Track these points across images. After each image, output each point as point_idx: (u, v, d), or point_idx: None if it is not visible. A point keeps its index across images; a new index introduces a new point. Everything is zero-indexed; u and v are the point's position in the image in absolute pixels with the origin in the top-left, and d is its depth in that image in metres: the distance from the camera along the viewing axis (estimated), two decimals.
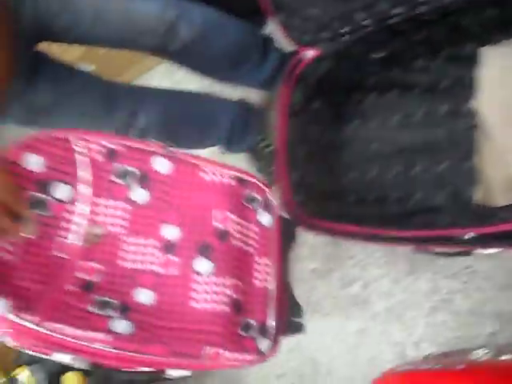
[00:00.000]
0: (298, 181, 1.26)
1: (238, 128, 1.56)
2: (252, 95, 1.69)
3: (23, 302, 0.82)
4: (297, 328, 1.06)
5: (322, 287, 1.49)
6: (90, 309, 0.90)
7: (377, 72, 1.32)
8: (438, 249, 1.04)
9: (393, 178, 1.26)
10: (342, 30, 1.18)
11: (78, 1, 1.22)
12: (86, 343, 0.82)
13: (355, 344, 1.42)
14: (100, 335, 0.85)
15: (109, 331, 0.88)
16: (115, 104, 1.37)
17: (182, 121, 1.50)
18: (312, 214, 1.19)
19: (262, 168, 1.63)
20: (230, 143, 1.58)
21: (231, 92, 1.68)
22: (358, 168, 1.33)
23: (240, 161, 1.79)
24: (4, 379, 2.10)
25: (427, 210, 1.16)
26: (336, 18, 1.17)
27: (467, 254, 1.02)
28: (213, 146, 1.64)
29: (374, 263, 1.40)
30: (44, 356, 0.83)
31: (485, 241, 0.94)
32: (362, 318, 1.41)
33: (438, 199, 1.16)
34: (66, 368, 2.00)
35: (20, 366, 1.76)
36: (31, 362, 1.78)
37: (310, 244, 1.51)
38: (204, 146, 1.67)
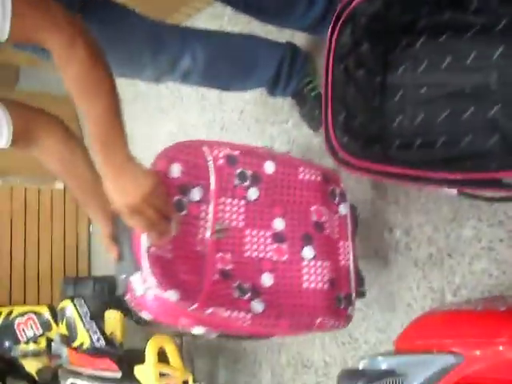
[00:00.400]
0: (344, 123, 1.24)
1: (283, 71, 1.54)
2: (299, 39, 1.66)
3: (188, 293, 1.01)
4: (362, 294, 1.29)
5: (362, 232, 1.48)
6: (234, 294, 1.07)
7: (428, 14, 1.28)
8: (486, 192, 1.03)
9: (441, 122, 1.23)
10: None
11: None
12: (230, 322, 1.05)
13: (394, 290, 1.43)
14: (242, 314, 1.06)
15: (249, 310, 1.07)
16: (162, 46, 1.37)
17: (227, 62, 1.50)
18: (356, 156, 1.18)
19: (307, 113, 1.62)
20: (275, 87, 1.57)
21: (278, 36, 1.66)
22: (405, 112, 1.30)
23: (286, 105, 1.78)
24: (48, 312, 2.19)
25: (476, 154, 1.14)
26: None
27: None
28: (257, 87, 1.63)
29: (418, 209, 1.39)
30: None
31: None
32: (402, 263, 1.41)
33: (487, 144, 1.14)
34: (105, 305, 2.08)
35: (64, 299, 1.83)
36: (74, 296, 1.85)
37: (350, 188, 1.51)
38: (248, 88, 1.67)
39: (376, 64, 1.35)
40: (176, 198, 1.05)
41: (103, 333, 1.70)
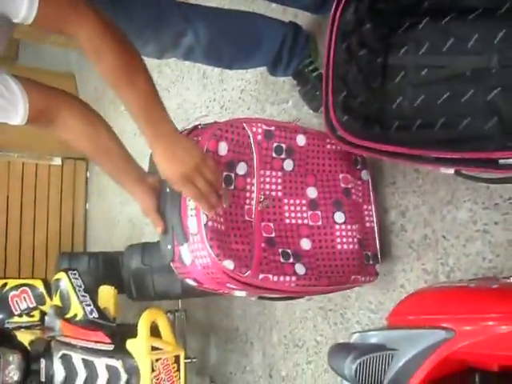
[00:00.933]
0: (344, 102, 1.24)
1: (285, 51, 1.54)
2: (302, 18, 1.66)
3: (241, 261, 1.11)
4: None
5: None
6: (280, 259, 1.18)
7: None
8: (483, 173, 1.03)
9: (441, 104, 1.24)
10: None
11: None
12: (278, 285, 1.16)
13: (387, 271, 1.44)
14: (288, 277, 1.17)
15: (294, 273, 1.18)
16: (165, 22, 1.37)
17: (229, 39, 1.49)
18: (356, 135, 1.19)
19: (308, 93, 1.62)
20: (277, 66, 1.57)
21: (282, 16, 1.65)
22: (406, 94, 1.31)
23: (287, 85, 1.78)
24: (42, 286, 2.20)
25: (474, 136, 1.14)
26: None
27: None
28: (258, 66, 1.63)
29: (414, 191, 1.39)
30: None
31: None
32: (397, 245, 1.42)
33: (486, 126, 1.14)
34: (99, 281, 2.09)
35: (59, 271, 1.83)
36: (68, 269, 1.86)
37: None
38: (249, 66, 1.66)
39: (378, 44, 1.35)
40: (225, 173, 1.14)
41: (97, 306, 1.70)
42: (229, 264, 1.09)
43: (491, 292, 0.87)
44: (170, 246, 1.18)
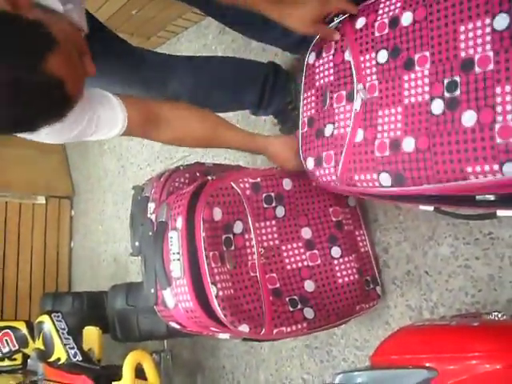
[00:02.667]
0: None
1: (266, 92, 1.56)
2: (282, 57, 1.69)
3: (255, 321, 1.14)
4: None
5: None
6: (290, 308, 1.20)
7: None
8: (463, 209, 1.04)
9: None
10: None
11: None
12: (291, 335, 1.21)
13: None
14: (300, 325, 1.20)
15: (304, 319, 1.21)
16: (150, 75, 1.40)
17: (213, 87, 1.51)
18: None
19: (288, 131, 1.63)
20: (259, 107, 1.59)
21: (261, 54, 1.68)
22: None
23: (268, 123, 1.80)
24: (25, 328, 2.16)
25: None
26: None
27: (491, 216, 1.02)
28: (243, 109, 1.65)
29: (396, 227, 1.40)
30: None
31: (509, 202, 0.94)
32: (380, 281, 1.42)
33: None
34: (84, 322, 2.06)
35: (43, 313, 1.81)
36: (51, 311, 1.84)
37: None
38: (234, 110, 1.68)
39: None
40: (224, 236, 1.16)
41: (81, 348, 1.68)
42: (244, 328, 1.11)
43: (473, 330, 0.87)
44: (152, 290, 1.18)
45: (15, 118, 0.83)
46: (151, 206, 1.44)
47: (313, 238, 1.30)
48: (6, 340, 2.19)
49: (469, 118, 0.86)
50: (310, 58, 1.19)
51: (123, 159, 2.70)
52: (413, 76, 0.99)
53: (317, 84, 1.17)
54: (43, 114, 0.86)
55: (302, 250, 1.28)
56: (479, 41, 0.86)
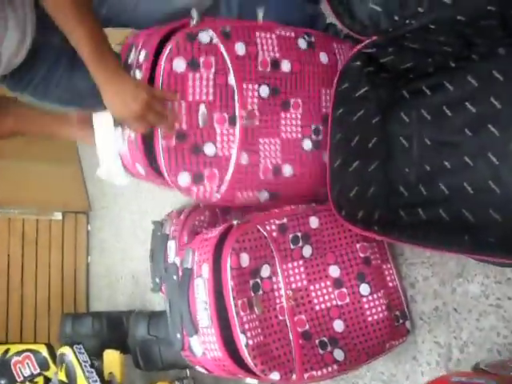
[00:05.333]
0: (338, 196, 1.26)
1: None
2: None
3: (285, 367, 1.13)
4: None
5: None
6: (320, 351, 1.19)
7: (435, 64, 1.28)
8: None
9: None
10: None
11: None
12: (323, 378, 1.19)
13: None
14: (331, 367, 1.19)
15: (334, 361, 1.20)
16: None
17: None
18: (359, 227, 1.21)
19: None
20: None
21: None
22: (409, 173, 1.31)
23: None
24: (46, 351, 2.16)
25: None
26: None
27: None
28: None
29: (423, 262, 1.38)
30: None
31: None
32: (409, 315, 1.40)
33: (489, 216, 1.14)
34: (104, 344, 2.06)
35: (64, 344, 1.81)
36: (72, 343, 1.84)
37: None
38: None
39: (376, 113, 1.34)
40: (251, 281, 1.15)
41: (103, 380, 1.68)
42: (274, 376, 1.11)
43: None
44: (178, 335, 1.17)
45: None
46: (171, 244, 1.44)
47: (341, 276, 1.28)
48: (28, 363, 2.19)
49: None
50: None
51: None
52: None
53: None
54: None
55: (330, 289, 1.26)
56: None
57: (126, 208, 2.85)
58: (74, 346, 1.74)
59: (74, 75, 1.29)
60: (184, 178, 1.18)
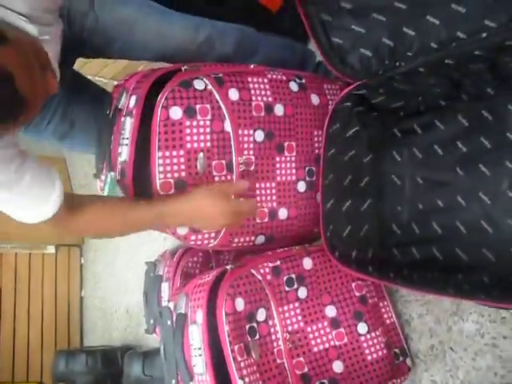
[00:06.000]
0: (331, 238, 1.28)
1: None
2: None
3: None
4: None
5: None
6: None
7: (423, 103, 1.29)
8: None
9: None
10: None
11: (112, 23, 1.24)
12: None
13: None
14: None
15: None
16: None
17: None
18: (353, 269, 1.22)
19: None
20: None
21: None
22: (401, 211, 1.31)
23: None
24: None
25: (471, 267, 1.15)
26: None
27: None
28: None
29: (418, 300, 1.38)
30: None
31: None
32: (409, 352, 1.39)
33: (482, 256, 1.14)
34: (99, 381, 2.04)
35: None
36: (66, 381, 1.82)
37: None
38: None
39: (368, 152, 1.35)
40: (247, 326, 1.14)
41: None
42: None
43: None
44: (174, 381, 1.15)
45: None
46: (165, 286, 1.43)
47: (338, 315, 1.27)
48: None
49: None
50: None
51: None
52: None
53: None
54: None
55: (327, 330, 1.25)
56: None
57: (119, 240, 2.83)
58: None
59: (71, 108, 1.32)
60: (182, 228, 1.19)
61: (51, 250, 3.10)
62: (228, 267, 1.17)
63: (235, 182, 1.20)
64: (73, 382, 1.89)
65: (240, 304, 1.13)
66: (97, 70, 2.24)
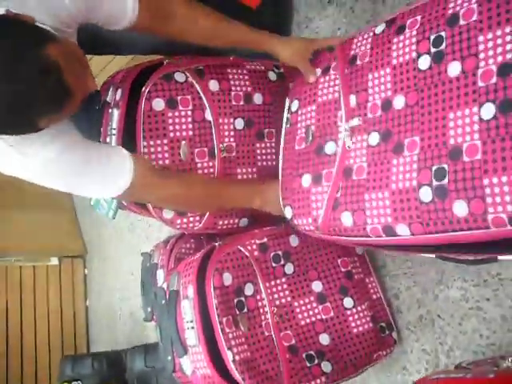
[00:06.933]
0: None
1: None
2: None
3: (273, 381, 1.16)
4: None
5: None
6: (307, 364, 1.22)
7: None
8: (465, 256, 1.06)
9: None
10: None
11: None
12: None
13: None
14: (319, 380, 1.22)
15: (322, 373, 1.23)
16: None
17: None
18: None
19: None
20: None
21: None
22: None
23: None
24: None
25: None
26: None
27: (494, 260, 1.04)
28: None
29: (405, 273, 1.42)
30: None
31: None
32: (395, 326, 1.43)
33: None
34: (104, 382, 2.07)
35: (63, 382, 1.82)
36: (71, 380, 1.85)
37: None
38: None
39: None
40: (235, 300, 1.18)
41: None
42: None
43: (487, 382, 0.88)
44: (169, 357, 1.20)
45: (11, 97, 0.84)
46: (160, 273, 1.48)
47: (324, 290, 1.32)
48: None
49: (459, 207, 0.84)
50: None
51: (131, 216, 2.74)
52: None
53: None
54: (39, 96, 0.87)
55: (314, 305, 1.29)
56: (468, 129, 0.85)
57: (120, 248, 2.88)
58: (72, 383, 1.76)
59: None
60: (168, 212, 1.24)
61: (55, 261, 3.15)
62: (216, 244, 1.21)
63: None
64: (77, 380, 1.93)
65: (228, 278, 1.17)
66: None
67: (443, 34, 0.90)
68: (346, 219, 1.01)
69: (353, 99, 1.05)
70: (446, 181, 0.86)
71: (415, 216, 0.91)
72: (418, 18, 0.96)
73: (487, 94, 0.83)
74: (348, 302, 1.33)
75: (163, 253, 1.48)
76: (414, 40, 0.96)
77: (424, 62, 0.93)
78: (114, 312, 2.92)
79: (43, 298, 3.09)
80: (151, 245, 2.53)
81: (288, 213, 1.15)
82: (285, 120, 1.22)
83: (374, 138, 1.00)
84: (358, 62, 1.06)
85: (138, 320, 2.67)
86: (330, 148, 1.08)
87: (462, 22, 0.88)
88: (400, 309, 1.43)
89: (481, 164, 0.82)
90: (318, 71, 1.17)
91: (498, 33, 0.82)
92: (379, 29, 1.04)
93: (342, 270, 1.36)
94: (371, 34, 1.06)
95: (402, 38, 0.98)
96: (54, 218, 3.20)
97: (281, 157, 1.20)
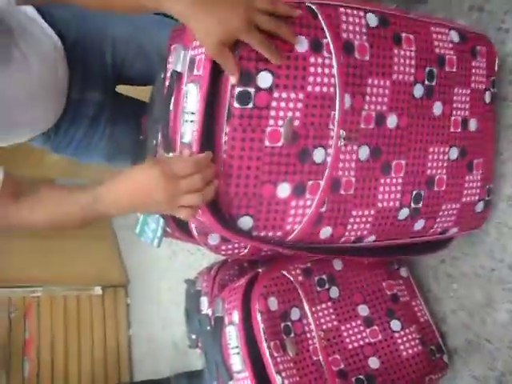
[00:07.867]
0: None
1: None
2: None
3: None
4: None
5: None
6: None
7: None
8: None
9: None
10: None
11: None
12: None
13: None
14: None
15: None
16: None
17: None
18: None
19: None
20: None
21: None
22: None
23: None
24: None
25: None
26: None
27: None
28: None
29: (450, 297, 1.40)
30: None
31: None
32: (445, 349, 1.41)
33: None
34: None
35: None
36: None
37: None
38: None
39: None
40: (282, 324, 1.16)
41: None
42: None
43: None
44: (215, 383, 1.20)
45: None
46: (204, 299, 1.48)
47: (370, 314, 1.31)
48: None
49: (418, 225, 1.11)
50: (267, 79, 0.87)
51: (173, 245, 2.77)
52: (388, 181, 1.06)
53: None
54: None
55: (361, 328, 1.28)
56: (440, 164, 1.08)
57: (162, 276, 2.91)
58: None
59: (117, 129, 1.32)
60: (214, 237, 1.24)
61: (98, 291, 3.20)
62: (259, 270, 1.22)
63: (195, 156, 0.86)
64: None
65: (273, 304, 1.17)
66: None
67: (435, 70, 1.03)
68: (324, 233, 1.01)
69: (347, 100, 0.93)
70: (420, 205, 1.08)
71: (387, 230, 1.08)
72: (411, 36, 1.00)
73: (455, 140, 1.08)
74: (395, 324, 1.31)
75: (207, 279, 1.49)
76: (413, 62, 1.00)
77: (418, 91, 1.02)
78: (157, 341, 2.94)
79: (87, 327, 3.13)
80: (193, 273, 2.56)
81: (245, 223, 0.93)
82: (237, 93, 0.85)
83: (364, 152, 0.98)
84: (357, 57, 0.93)
85: (180, 349, 2.69)
86: (318, 156, 0.92)
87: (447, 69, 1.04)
88: (447, 333, 1.41)
89: (445, 194, 1.10)
90: (302, 41, 0.87)
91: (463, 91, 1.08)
92: (372, 22, 0.94)
93: (388, 293, 1.35)
94: (363, 22, 0.94)
95: (402, 53, 0.99)
96: (96, 248, 3.24)
97: (224, 146, 0.87)
